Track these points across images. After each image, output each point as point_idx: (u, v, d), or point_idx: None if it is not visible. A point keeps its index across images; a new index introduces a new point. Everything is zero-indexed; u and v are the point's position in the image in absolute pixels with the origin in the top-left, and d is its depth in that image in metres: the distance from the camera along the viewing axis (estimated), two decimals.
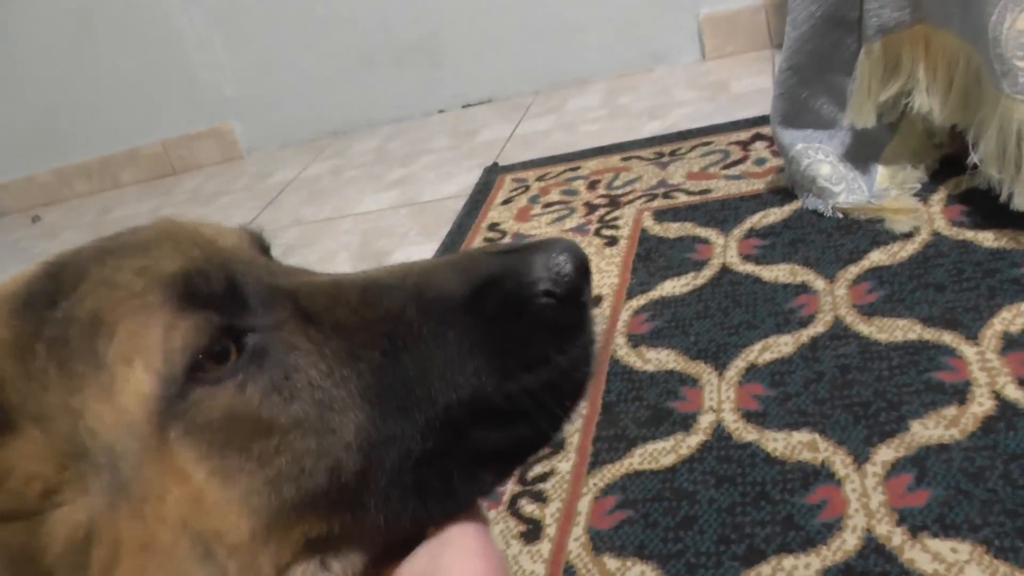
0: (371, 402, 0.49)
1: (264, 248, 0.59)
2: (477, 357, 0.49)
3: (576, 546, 1.20)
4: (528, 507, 1.29)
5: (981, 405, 1.20)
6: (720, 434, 1.30)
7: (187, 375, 0.46)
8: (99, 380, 0.46)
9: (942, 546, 1.04)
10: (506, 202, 2.24)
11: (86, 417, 0.45)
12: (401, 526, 0.50)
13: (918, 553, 1.04)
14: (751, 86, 2.53)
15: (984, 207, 1.54)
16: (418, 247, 2.20)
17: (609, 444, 1.35)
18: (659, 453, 1.30)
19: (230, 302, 0.49)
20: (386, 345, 0.50)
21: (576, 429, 1.40)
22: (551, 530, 1.24)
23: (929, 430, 1.19)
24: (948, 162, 1.70)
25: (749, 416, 1.31)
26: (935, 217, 1.60)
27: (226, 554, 0.45)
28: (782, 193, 1.83)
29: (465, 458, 0.50)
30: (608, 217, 1.99)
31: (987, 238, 1.50)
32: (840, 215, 1.69)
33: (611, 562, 1.16)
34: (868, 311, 1.43)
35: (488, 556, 0.48)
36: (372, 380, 0.49)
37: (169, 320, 0.47)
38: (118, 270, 0.48)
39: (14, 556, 0.44)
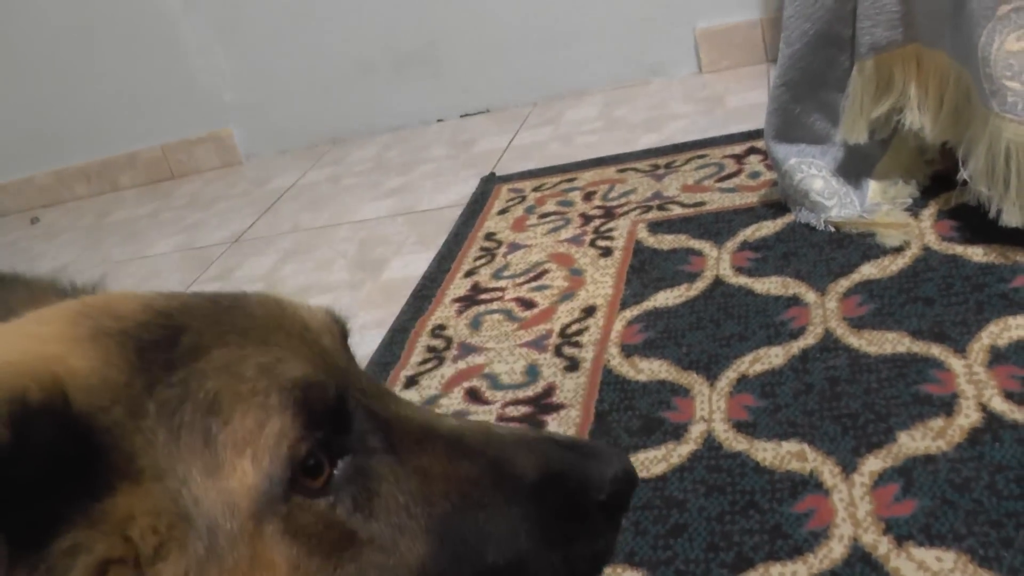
0: (435, 540, 0.55)
1: (345, 336, 0.63)
2: (530, 536, 0.57)
3: None
4: None
5: (968, 417, 1.22)
6: (711, 444, 1.31)
7: (289, 481, 0.50)
8: (206, 460, 0.49)
9: (927, 555, 1.06)
10: (502, 212, 2.26)
11: (191, 486, 0.49)
12: None
13: (903, 562, 1.06)
14: (746, 100, 2.56)
15: (973, 223, 1.56)
16: (415, 255, 2.22)
17: None
18: (650, 462, 1.32)
19: (336, 421, 0.54)
20: (457, 501, 0.56)
21: None
22: None
23: (916, 441, 1.21)
24: (939, 178, 1.72)
25: (739, 426, 1.33)
26: (925, 232, 1.63)
27: None
28: (775, 206, 1.86)
29: None
30: (603, 228, 2.01)
31: (976, 253, 1.52)
32: (832, 229, 1.72)
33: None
34: (858, 324, 1.45)
35: None
36: (439, 524, 0.55)
37: (283, 427, 0.51)
38: (242, 361, 0.52)
39: None
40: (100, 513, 0.47)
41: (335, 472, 0.53)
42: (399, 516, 0.54)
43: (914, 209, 1.70)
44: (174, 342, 0.52)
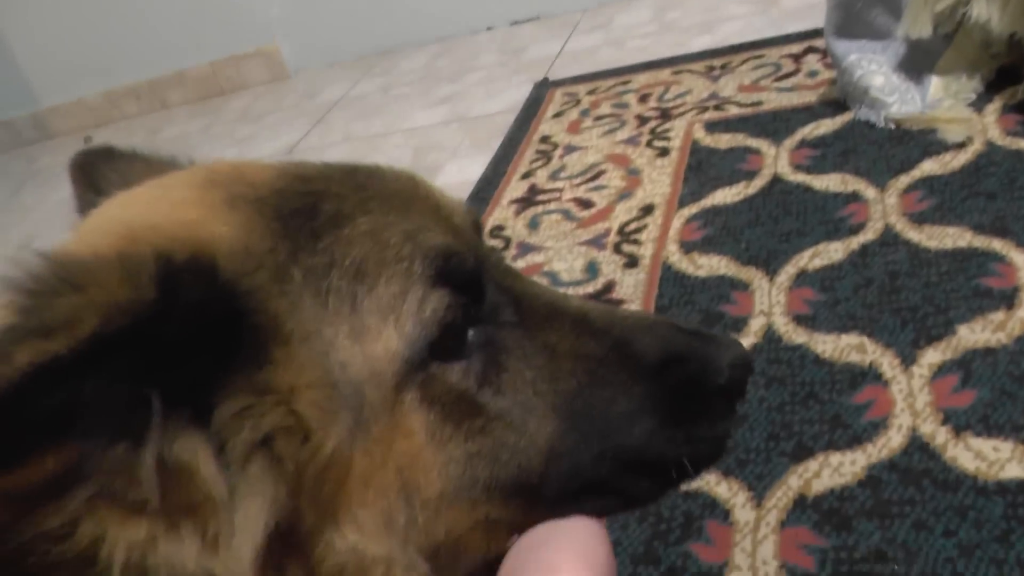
0: (562, 419, 0.55)
1: (476, 220, 0.64)
2: (653, 415, 0.57)
3: None
4: None
5: None
6: (771, 336, 1.33)
7: (429, 347, 0.51)
8: (353, 324, 0.50)
9: (985, 445, 1.07)
10: (557, 116, 2.25)
11: (338, 351, 0.50)
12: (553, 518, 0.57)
13: (961, 451, 1.08)
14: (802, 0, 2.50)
15: None
16: (470, 159, 2.23)
17: None
18: None
19: (474, 290, 0.55)
20: (583, 378, 0.57)
21: None
22: None
23: (976, 334, 1.21)
24: (1004, 72, 1.69)
25: (799, 319, 1.34)
26: (989, 127, 1.60)
27: (420, 505, 0.52)
28: (834, 105, 1.83)
29: (614, 488, 0.58)
30: (659, 129, 2.00)
31: None
32: (892, 126, 1.69)
33: None
34: (918, 219, 1.45)
35: (601, 538, 0.55)
36: (566, 402, 0.56)
37: (425, 293, 0.51)
38: (386, 228, 0.53)
39: (289, 473, 0.48)
40: (264, 383, 0.48)
41: (469, 340, 0.54)
42: (526, 392, 0.55)
43: (978, 104, 1.67)
44: (315, 210, 0.53)
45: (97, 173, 0.67)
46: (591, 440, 0.56)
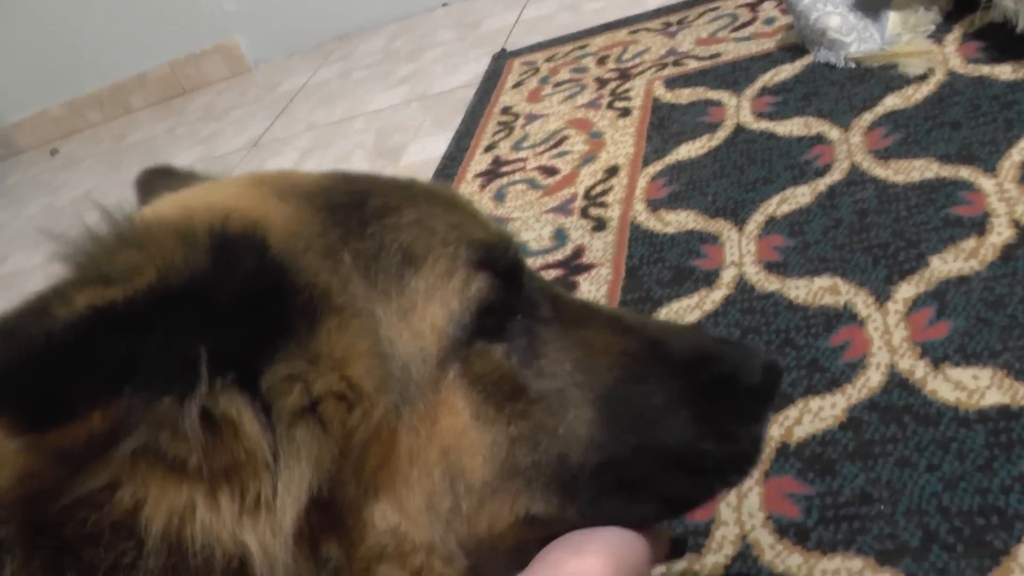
0: (600, 412, 0.57)
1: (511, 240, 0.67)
2: (690, 411, 0.59)
3: None
4: None
5: (1000, 235, 1.20)
6: (743, 287, 1.31)
7: (473, 325, 0.53)
8: (401, 303, 0.53)
9: (964, 374, 1.06)
10: (517, 86, 2.22)
11: (386, 328, 0.52)
12: (590, 525, 0.58)
13: (940, 383, 1.06)
14: None
15: (1000, 41, 1.51)
16: (433, 138, 2.20)
17: (635, 307, 1.37)
18: (684, 310, 1.32)
19: (514, 282, 0.57)
20: (620, 373, 0.58)
21: (601, 296, 1.42)
22: None
23: (948, 264, 1.20)
24: (961, 1, 1.66)
25: (770, 267, 1.32)
26: (950, 57, 1.58)
27: (464, 491, 0.53)
28: (793, 50, 1.81)
29: (652, 487, 0.58)
30: (620, 90, 1.98)
31: (1004, 72, 1.48)
32: (853, 65, 1.67)
33: None
34: (884, 155, 1.43)
35: (638, 543, 0.56)
36: (604, 395, 0.57)
37: (470, 273, 0.54)
38: (433, 217, 0.56)
39: (335, 439, 0.49)
40: (316, 350, 0.49)
41: (510, 326, 0.56)
42: (565, 382, 0.56)
43: (937, 35, 1.64)
44: (362, 203, 0.55)
45: (156, 189, 0.69)
46: (628, 433, 0.57)
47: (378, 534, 0.50)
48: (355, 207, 0.55)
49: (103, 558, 0.44)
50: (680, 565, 1.01)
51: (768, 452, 1.08)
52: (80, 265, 0.45)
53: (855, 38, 1.67)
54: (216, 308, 0.46)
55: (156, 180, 0.73)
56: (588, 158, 1.79)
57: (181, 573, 0.45)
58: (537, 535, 0.57)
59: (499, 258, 0.57)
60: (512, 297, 0.57)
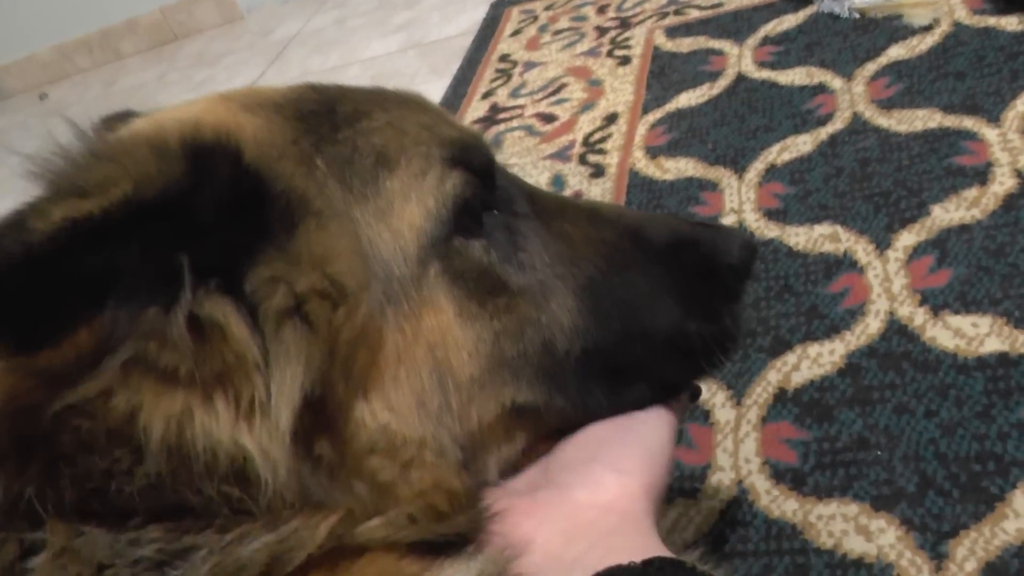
0: (583, 301, 0.58)
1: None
2: (672, 295, 0.60)
3: None
4: None
5: (1002, 184, 1.19)
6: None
7: (451, 222, 0.54)
8: (377, 204, 0.53)
9: (963, 322, 1.05)
10: (515, 33, 2.20)
11: (365, 229, 0.52)
12: (582, 413, 0.60)
13: (939, 330, 1.06)
14: None
15: None
16: (429, 85, 2.17)
17: None
18: None
19: (488, 178, 0.58)
20: (601, 263, 0.60)
21: None
22: None
23: (950, 213, 1.19)
24: None
25: (770, 214, 1.31)
26: (956, 7, 1.56)
27: (452, 387, 0.54)
28: (796, 0, 1.78)
29: (640, 372, 0.59)
30: (620, 38, 1.95)
31: (1010, 23, 1.46)
32: (857, 15, 1.65)
33: None
34: (887, 105, 1.41)
35: (670, 428, 0.58)
36: (586, 284, 0.58)
37: (444, 171, 0.54)
38: (404, 119, 0.56)
39: (322, 338, 0.49)
40: (297, 251, 0.49)
41: (487, 222, 0.56)
42: (546, 273, 0.57)
43: None
44: (333, 110, 0.55)
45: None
46: (613, 319, 0.58)
47: (369, 432, 0.50)
48: (325, 114, 0.55)
49: (98, 464, 0.44)
50: (674, 512, 1.00)
51: (766, 398, 1.07)
52: (54, 181, 0.44)
53: None
54: (194, 216, 0.46)
55: (117, 124, 0.71)
56: (587, 105, 1.77)
57: (181, 477, 0.45)
58: (527, 425, 0.58)
59: (472, 155, 0.57)
60: (487, 193, 0.57)
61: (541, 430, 0.60)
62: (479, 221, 0.56)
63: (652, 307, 0.60)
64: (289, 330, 0.48)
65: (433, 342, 0.53)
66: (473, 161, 0.57)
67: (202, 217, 0.46)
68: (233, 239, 0.47)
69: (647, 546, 0.51)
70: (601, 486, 0.55)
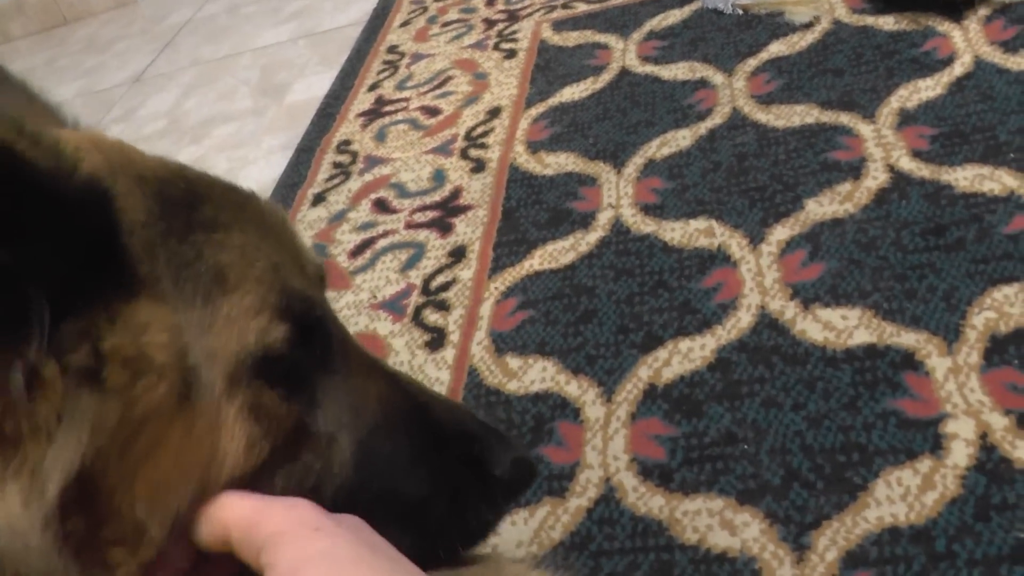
0: (358, 452, 0.59)
1: (322, 276, 0.66)
2: (428, 472, 0.61)
3: (479, 349, 1.20)
4: (432, 316, 1.28)
5: (875, 179, 1.20)
6: (619, 229, 1.28)
7: (264, 367, 0.53)
8: (202, 316, 0.51)
9: (833, 314, 1.06)
10: (404, 24, 2.15)
11: (185, 333, 0.50)
12: None
13: (809, 324, 1.06)
14: None
15: None
16: (318, 76, 2.12)
17: (510, 248, 1.33)
18: (559, 252, 1.29)
19: (312, 335, 0.57)
20: (382, 420, 0.61)
21: (477, 237, 1.38)
22: (455, 336, 1.23)
23: (824, 207, 1.19)
24: None
25: (647, 209, 1.30)
26: (836, 6, 1.57)
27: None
28: None
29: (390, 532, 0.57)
30: (507, 31, 1.93)
31: (887, 22, 1.48)
32: (740, 12, 1.65)
33: (513, 361, 1.16)
34: (766, 100, 1.41)
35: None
36: (365, 436, 0.59)
37: (274, 321, 0.53)
38: (257, 251, 0.55)
39: (116, 404, 0.46)
40: (120, 313, 0.47)
41: (296, 374, 0.56)
42: (336, 427, 0.58)
43: None
44: (194, 208, 0.54)
45: None
46: (376, 477, 0.60)
47: (122, 523, 0.48)
48: (186, 208, 0.53)
49: None
50: (541, 511, 0.98)
51: (636, 395, 1.06)
52: None
53: None
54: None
55: None
56: (471, 99, 1.73)
57: None
58: None
59: (307, 314, 0.57)
60: (306, 351, 0.57)
61: None
62: (290, 373, 0.55)
63: (412, 478, 0.61)
64: (86, 391, 0.45)
65: (213, 461, 0.51)
66: (304, 319, 0.56)
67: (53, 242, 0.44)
68: (73, 288, 0.45)
69: None
70: None
